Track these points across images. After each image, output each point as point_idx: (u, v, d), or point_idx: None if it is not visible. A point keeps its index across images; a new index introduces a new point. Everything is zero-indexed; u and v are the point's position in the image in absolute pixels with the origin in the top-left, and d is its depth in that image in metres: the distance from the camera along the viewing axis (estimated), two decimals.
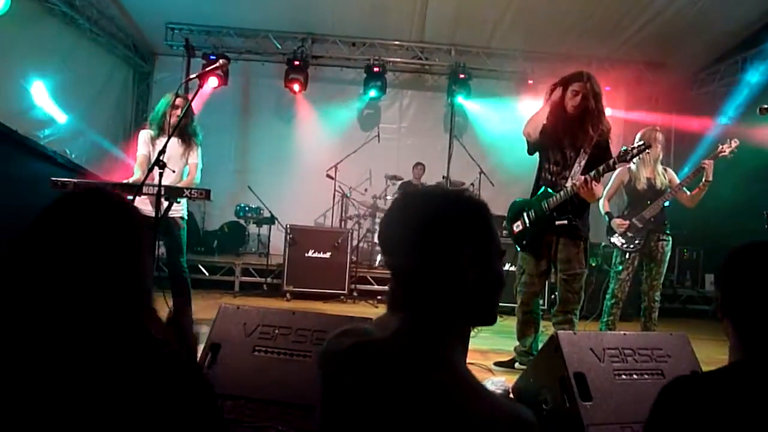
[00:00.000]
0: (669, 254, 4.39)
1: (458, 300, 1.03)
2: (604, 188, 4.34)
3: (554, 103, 3.78)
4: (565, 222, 3.70)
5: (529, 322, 3.99)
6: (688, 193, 4.37)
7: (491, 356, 4.28)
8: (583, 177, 3.60)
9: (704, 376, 1.28)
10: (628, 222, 4.41)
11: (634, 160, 3.84)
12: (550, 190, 3.80)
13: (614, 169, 3.73)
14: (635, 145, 3.64)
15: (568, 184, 3.70)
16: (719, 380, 1.21)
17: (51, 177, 3.67)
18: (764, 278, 1.22)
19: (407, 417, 0.92)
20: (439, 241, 1.03)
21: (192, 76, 3.85)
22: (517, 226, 4.01)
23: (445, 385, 0.93)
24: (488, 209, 1.11)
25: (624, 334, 2.61)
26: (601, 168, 3.61)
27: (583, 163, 3.72)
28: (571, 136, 3.74)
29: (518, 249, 4.08)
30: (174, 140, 3.91)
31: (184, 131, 4.23)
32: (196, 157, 4.39)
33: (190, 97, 3.96)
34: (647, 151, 3.66)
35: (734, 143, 4.20)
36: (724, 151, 4.21)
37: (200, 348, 2.54)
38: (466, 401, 0.92)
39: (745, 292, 1.25)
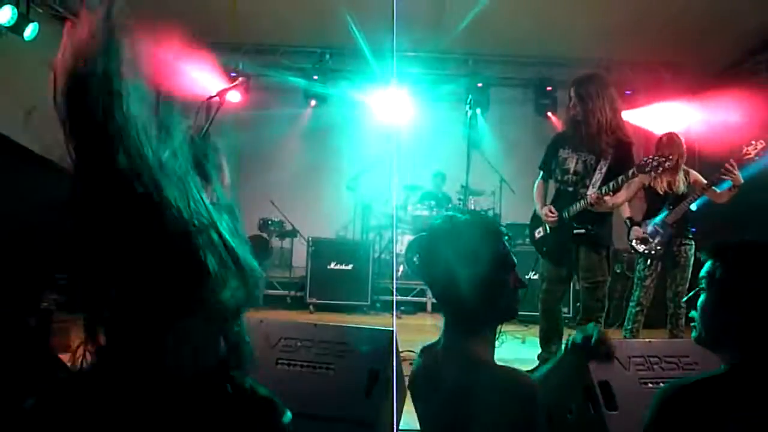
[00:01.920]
0: (693, 259, 4.28)
1: (474, 307, 1.37)
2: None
3: (571, 111, 3.78)
4: (583, 231, 3.68)
5: (553, 330, 3.95)
6: (718, 191, 4.17)
7: (516, 366, 4.25)
8: (595, 195, 3.57)
9: (701, 383, 1.27)
10: (646, 230, 4.33)
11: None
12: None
13: (634, 178, 3.67)
14: (656, 156, 3.55)
15: (589, 192, 3.66)
16: (715, 386, 1.20)
17: (68, 191, 3.75)
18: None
19: (448, 392, 1.30)
20: (454, 266, 1.35)
21: (212, 95, 3.92)
22: (538, 233, 4.01)
23: (462, 366, 1.34)
24: (497, 234, 1.44)
25: (649, 341, 2.57)
26: (619, 179, 3.56)
27: (604, 170, 3.67)
28: (588, 142, 3.69)
29: (539, 256, 4.07)
30: None
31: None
32: (226, 177, 4.43)
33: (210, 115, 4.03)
34: (668, 163, 3.55)
35: (760, 145, 3.95)
36: (749, 154, 3.96)
37: None
38: (476, 374, 1.31)
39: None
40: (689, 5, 6.53)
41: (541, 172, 4.04)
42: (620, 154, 3.66)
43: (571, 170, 3.79)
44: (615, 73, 8.43)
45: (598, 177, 3.67)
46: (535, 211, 4.06)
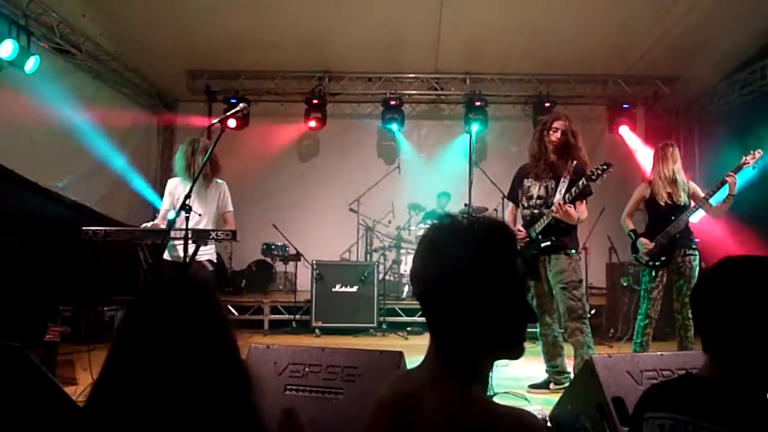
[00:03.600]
0: (698, 269, 4.30)
1: (478, 331, 1.05)
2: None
3: (535, 145, 4.18)
4: (549, 243, 4.03)
5: (554, 344, 4.15)
6: (713, 205, 4.29)
7: (525, 383, 4.22)
8: (557, 203, 3.93)
9: (661, 384, 1.35)
10: (653, 243, 4.33)
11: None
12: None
13: (585, 190, 3.96)
14: (600, 165, 3.89)
15: (551, 209, 3.99)
16: (661, 388, 1.32)
17: (69, 222, 3.72)
18: (731, 300, 1.21)
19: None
20: (460, 278, 1.04)
21: (214, 122, 3.94)
22: None
23: (454, 403, 1.01)
24: (510, 243, 1.10)
25: (661, 354, 2.54)
26: (573, 189, 3.92)
27: (563, 190, 4.03)
28: (552, 169, 4.10)
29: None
30: (199, 184, 3.98)
31: (209, 175, 4.29)
32: (230, 204, 4.45)
33: (211, 142, 4.04)
34: (610, 170, 3.87)
35: (758, 153, 4.15)
36: (748, 163, 4.16)
37: None
38: (474, 414, 0.99)
39: (712, 314, 1.25)
40: (683, 19, 6.58)
41: (510, 203, 4.44)
42: (577, 174, 4.02)
43: (535, 196, 4.16)
44: (611, 86, 8.49)
45: (558, 197, 4.02)
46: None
